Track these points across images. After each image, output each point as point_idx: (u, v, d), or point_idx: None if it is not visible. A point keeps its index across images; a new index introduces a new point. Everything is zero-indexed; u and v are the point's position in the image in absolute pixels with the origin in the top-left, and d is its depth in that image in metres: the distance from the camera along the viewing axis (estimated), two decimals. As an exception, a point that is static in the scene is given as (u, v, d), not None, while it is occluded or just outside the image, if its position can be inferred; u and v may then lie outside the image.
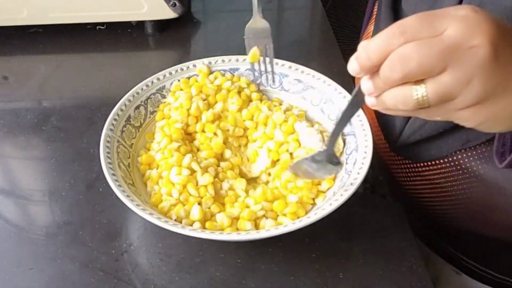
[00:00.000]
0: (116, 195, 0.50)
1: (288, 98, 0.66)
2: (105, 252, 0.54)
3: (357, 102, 0.41)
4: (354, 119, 0.59)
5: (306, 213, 0.54)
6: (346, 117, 0.45)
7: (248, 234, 0.50)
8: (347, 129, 0.59)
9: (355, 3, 1.14)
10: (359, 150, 0.56)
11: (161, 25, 0.83)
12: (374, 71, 0.37)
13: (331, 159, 0.52)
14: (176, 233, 0.49)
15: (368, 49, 0.37)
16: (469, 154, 0.56)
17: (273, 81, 0.66)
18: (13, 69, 0.78)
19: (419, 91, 0.36)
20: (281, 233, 0.48)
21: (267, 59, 0.65)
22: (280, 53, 0.67)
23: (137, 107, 0.62)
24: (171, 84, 0.65)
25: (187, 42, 0.85)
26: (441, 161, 0.58)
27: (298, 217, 0.52)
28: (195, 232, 0.49)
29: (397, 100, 0.38)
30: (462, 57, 0.35)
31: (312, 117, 0.64)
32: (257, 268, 0.53)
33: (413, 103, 0.37)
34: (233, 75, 0.67)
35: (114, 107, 0.60)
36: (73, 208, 0.58)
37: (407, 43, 0.35)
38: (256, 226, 0.53)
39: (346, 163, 0.57)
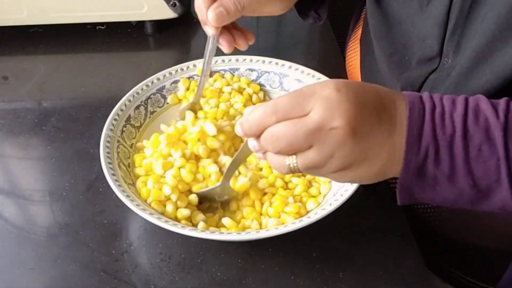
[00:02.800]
0: (116, 195, 0.50)
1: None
2: (106, 252, 0.54)
3: (247, 151, 0.47)
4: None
5: (307, 212, 0.54)
6: (237, 162, 0.52)
7: (248, 234, 0.50)
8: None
9: (356, 3, 1.14)
10: (359, 150, 0.56)
11: (161, 25, 0.83)
12: (256, 136, 0.43)
13: (227, 193, 0.55)
14: (176, 233, 0.49)
15: (248, 121, 0.42)
16: None
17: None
18: (13, 69, 0.78)
19: (291, 161, 0.42)
20: (281, 233, 0.48)
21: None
22: (280, 53, 0.67)
23: (137, 107, 0.62)
24: (171, 84, 0.65)
25: (187, 42, 0.85)
26: None
27: (299, 215, 0.53)
28: (195, 232, 0.49)
29: (275, 164, 0.43)
30: (324, 137, 0.40)
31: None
32: (257, 268, 0.53)
33: (286, 170, 0.43)
34: (233, 75, 0.67)
35: (114, 107, 0.60)
36: (73, 208, 0.58)
37: (279, 122, 0.41)
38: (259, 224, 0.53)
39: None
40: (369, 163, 0.42)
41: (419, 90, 0.55)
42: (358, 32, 0.78)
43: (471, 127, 0.40)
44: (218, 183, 0.54)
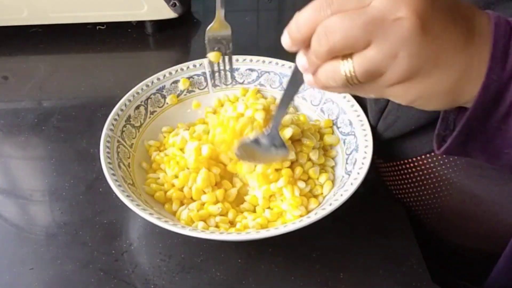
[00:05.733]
0: (116, 195, 0.50)
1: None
2: (105, 252, 0.54)
3: (296, 81, 0.40)
4: (354, 119, 0.59)
5: (307, 212, 0.54)
6: (287, 98, 0.45)
7: (248, 234, 0.50)
8: (347, 129, 0.59)
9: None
10: (359, 150, 0.56)
11: (161, 25, 0.83)
12: (305, 44, 0.37)
13: (274, 142, 0.50)
14: (176, 233, 0.49)
15: (297, 21, 0.36)
16: (441, 162, 0.55)
17: (228, 79, 0.65)
18: (13, 69, 0.78)
19: (346, 66, 0.36)
20: (281, 233, 0.48)
21: (226, 58, 0.63)
22: (280, 53, 0.66)
23: (137, 107, 0.62)
24: (171, 84, 0.65)
25: (187, 42, 0.85)
26: (410, 164, 0.58)
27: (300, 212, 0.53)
28: (195, 232, 0.49)
29: (328, 76, 0.37)
30: (386, 30, 0.33)
31: (312, 117, 0.64)
32: (257, 268, 0.53)
33: (341, 79, 0.36)
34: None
35: (114, 107, 0.60)
36: (73, 208, 0.58)
37: (334, 15, 0.34)
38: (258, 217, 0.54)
39: (346, 163, 0.57)
40: (440, 73, 0.35)
41: None
42: None
43: None
44: (267, 130, 0.49)
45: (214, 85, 0.67)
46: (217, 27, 0.61)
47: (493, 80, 0.35)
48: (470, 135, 0.39)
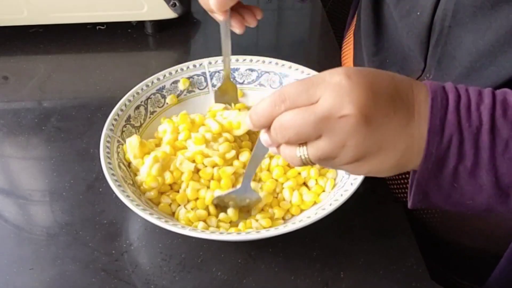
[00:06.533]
0: (116, 195, 0.50)
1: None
2: (106, 252, 0.54)
3: (263, 147, 0.44)
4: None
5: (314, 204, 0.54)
6: (255, 161, 0.51)
7: (248, 234, 0.50)
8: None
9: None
10: (359, 150, 0.56)
11: (161, 25, 0.83)
12: (266, 128, 0.41)
13: (248, 195, 0.55)
14: (176, 233, 0.49)
15: (256, 113, 0.41)
16: None
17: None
18: (13, 69, 0.78)
19: (302, 153, 0.40)
20: (281, 233, 0.48)
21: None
22: (280, 53, 0.67)
23: (137, 107, 0.62)
24: (171, 84, 0.65)
25: (187, 42, 0.85)
26: None
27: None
28: (195, 232, 0.49)
29: (286, 157, 0.42)
30: (334, 126, 0.38)
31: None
32: (257, 268, 0.53)
33: (298, 161, 0.41)
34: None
35: (114, 107, 0.60)
36: (73, 208, 0.58)
37: (287, 110, 0.39)
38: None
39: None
40: (385, 154, 0.39)
41: None
42: (354, 25, 0.78)
43: (498, 120, 0.38)
44: (239, 185, 0.54)
45: (214, 85, 0.67)
46: (225, 88, 0.63)
47: (432, 153, 0.39)
48: (428, 192, 0.41)
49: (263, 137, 0.42)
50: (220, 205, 0.56)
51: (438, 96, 0.39)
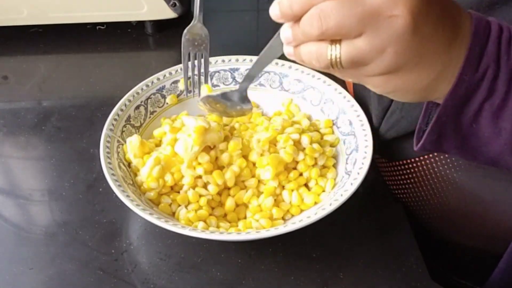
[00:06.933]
0: (116, 195, 0.50)
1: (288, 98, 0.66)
2: (105, 252, 0.54)
3: (275, 48, 0.40)
4: (354, 119, 0.59)
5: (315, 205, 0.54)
6: (262, 62, 0.45)
7: (248, 234, 0.50)
8: (347, 129, 0.59)
9: None
10: (359, 150, 0.56)
11: (161, 25, 0.83)
12: (295, 20, 0.37)
13: (242, 100, 0.51)
14: (176, 233, 0.49)
15: None
16: (443, 162, 0.55)
17: (199, 94, 0.65)
18: (13, 69, 0.78)
19: (333, 51, 0.36)
20: (281, 233, 0.48)
21: (201, 67, 0.64)
22: (280, 53, 0.66)
23: (137, 107, 0.62)
24: (171, 84, 0.65)
25: (187, 42, 0.85)
26: (413, 164, 0.58)
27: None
28: (195, 232, 0.49)
29: (311, 55, 0.37)
30: (380, 24, 0.34)
31: (312, 117, 0.64)
32: (257, 268, 0.53)
33: (326, 62, 0.37)
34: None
35: (114, 107, 0.60)
36: (73, 208, 0.58)
37: None
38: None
39: (346, 163, 0.57)
40: (420, 71, 0.36)
41: None
42: None
43: None
44: (236, 87, 0.50)
45: (214, 85, 0.66)
46: (196, 29, 0.62)
47: (464, 81, 0.37)
48: (443, 132, 0.39)
49: (286, 32, 0.38)
50: (206, 106, 0.52)
51: (481, 25, 0.37)
